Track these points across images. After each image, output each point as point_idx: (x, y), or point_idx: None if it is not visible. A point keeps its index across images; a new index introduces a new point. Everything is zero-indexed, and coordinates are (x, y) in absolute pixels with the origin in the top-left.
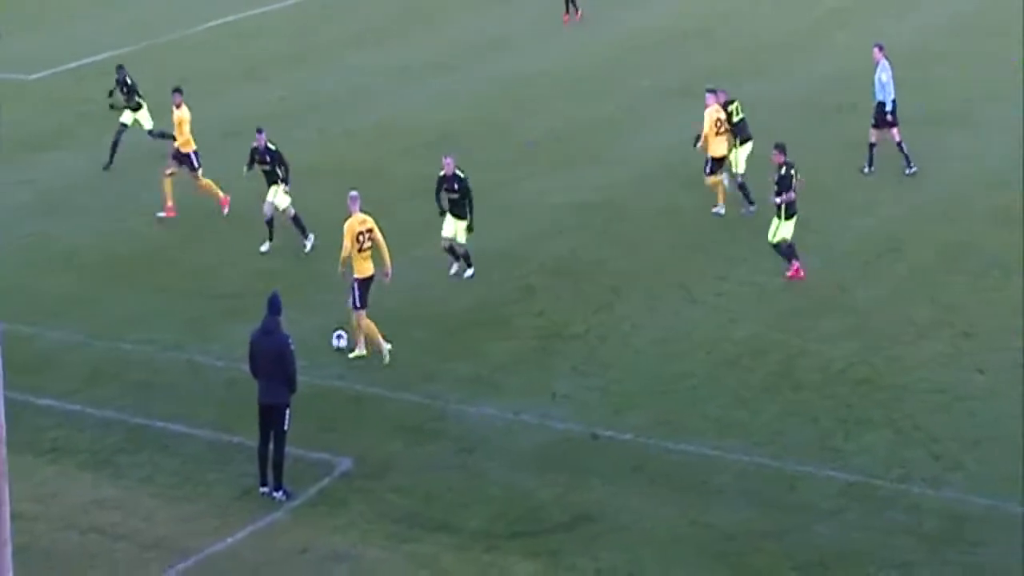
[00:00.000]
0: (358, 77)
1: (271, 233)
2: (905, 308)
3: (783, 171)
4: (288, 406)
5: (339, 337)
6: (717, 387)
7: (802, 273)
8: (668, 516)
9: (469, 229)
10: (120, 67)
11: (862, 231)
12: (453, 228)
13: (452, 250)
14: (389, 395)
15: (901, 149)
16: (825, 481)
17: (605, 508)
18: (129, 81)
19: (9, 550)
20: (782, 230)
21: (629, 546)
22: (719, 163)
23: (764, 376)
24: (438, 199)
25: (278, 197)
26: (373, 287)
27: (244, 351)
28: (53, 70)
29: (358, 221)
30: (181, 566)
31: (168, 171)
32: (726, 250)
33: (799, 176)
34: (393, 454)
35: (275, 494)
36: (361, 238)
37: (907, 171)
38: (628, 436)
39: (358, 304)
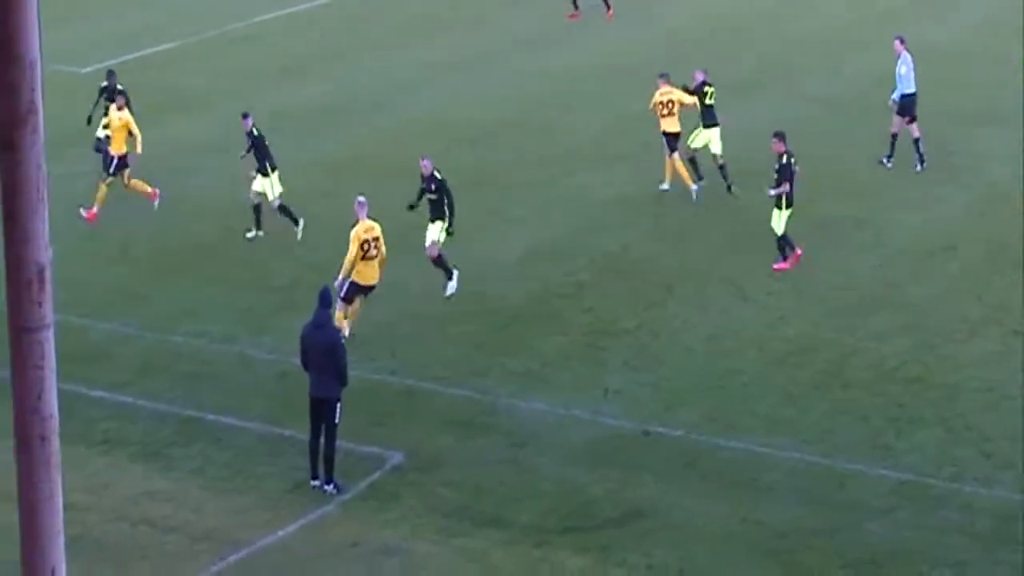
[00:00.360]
0: (402, 72)
1: (258, 221)
2: (957, 306)
3: (783, 160)
4: (339, 400)
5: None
6: (767, 384)
7: (788, 266)
8: (719, 513)
9: (448, 232)
10: (111, 73)
11: (914, 228)
12: (435, 234)
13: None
14: (440, 389)
15: (917, 147)
16: (876, 479)
17: (656, 504)
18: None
19: (62, 540)
20: (783, 220)
21: (680, 542)
22: (673, 138)
23: (814, 374)
24: (415, 203)
25: (258, 183)
26: (370, 295)
27: (296, 344)
28: (107, 63)
29: (364, 228)
30: (232, 558)
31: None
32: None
33: (797, 165)
34: (444, 448)
35: (326, 487)
36: (367, 245)
37: (917, 168)
38: (679, 432)
39: (343, 296)
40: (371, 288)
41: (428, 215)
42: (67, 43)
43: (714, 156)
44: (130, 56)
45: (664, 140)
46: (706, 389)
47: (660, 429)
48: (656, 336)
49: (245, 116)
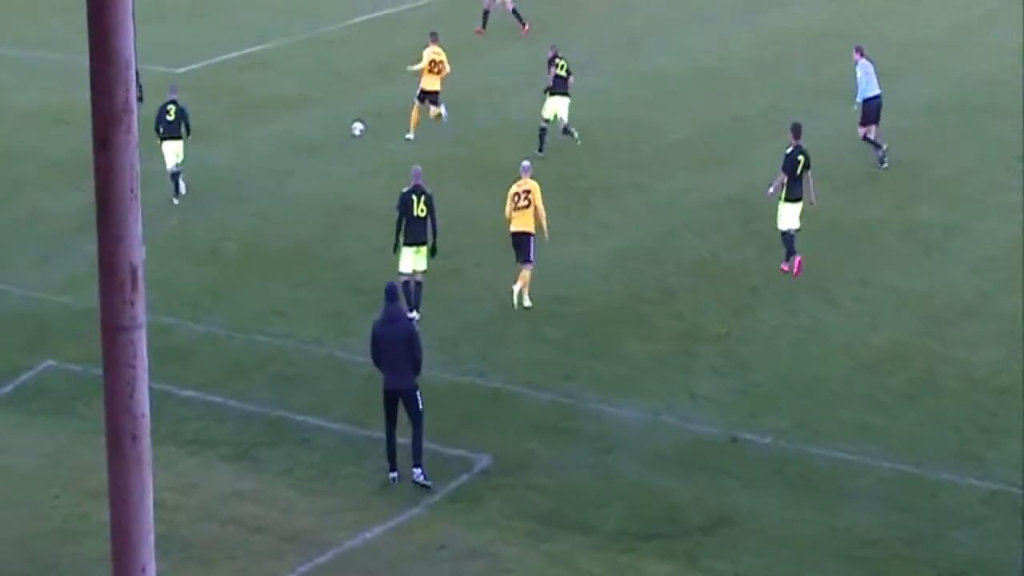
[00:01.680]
0: (492, 76)
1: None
2: None
3: (788, 151)
4: (417, 388)
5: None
6: (856, 391)
7: (796, 270)
8: (806, 520)
9: (431, 252)
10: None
11: (1007, 237)
12: (412, 260)
13: (407, 286)
14: (528, 393)
15: (870, 141)
16: (966, 489)
17: (743, 511)
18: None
19: (152, 538)
20: (784, 215)
21: (767, 550)
22: (427, 95)
23: (904, 381)
24: (400, 220)
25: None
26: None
27: None
28: (201, 63)
29: (517, 184)
30: (319, 559)
31: None
32: (867, 253)
33: (805, 164)
34: (531, 452)
35: (415, 471)
36: (517, 198)
37: (880, 165)
38: (767, 439)
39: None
40: (522, 234)
41: (405, 236)
42: (163, 44)
43: (560, 119)
44: (226, 57)
45: (419, 94)
46: (795, 396)
47: (748, 436)
48: (745, 342)
49: (172, 89)
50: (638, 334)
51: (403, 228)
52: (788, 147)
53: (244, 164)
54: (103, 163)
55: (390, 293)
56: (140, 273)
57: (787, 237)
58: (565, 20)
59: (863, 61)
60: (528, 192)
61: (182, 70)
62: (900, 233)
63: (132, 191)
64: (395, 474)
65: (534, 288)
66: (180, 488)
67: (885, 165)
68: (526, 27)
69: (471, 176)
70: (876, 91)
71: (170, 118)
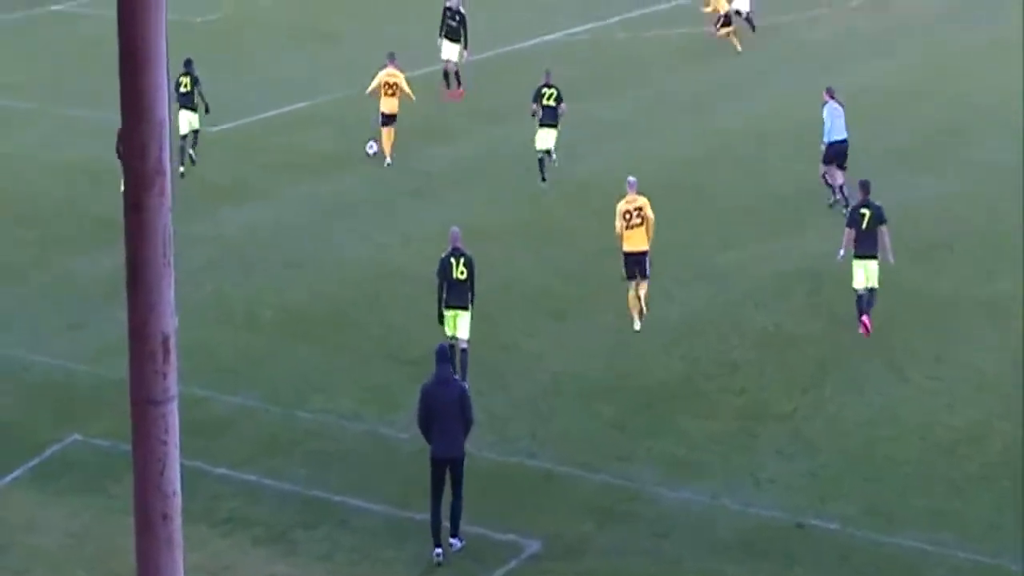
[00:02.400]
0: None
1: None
2: None
3: (853, 205)
4: (465, 456)
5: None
6: (931, 475)
7: (865, 331)
8: None
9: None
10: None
11: None
12: (453, 325)
13: (452, 351)
14: (580, 474)
15: (841, 192)
16: None
17: None
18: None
19: None
20: (855, 274)
21: None
22: (388, 119)
23: (982, 465)
24: (441, 285)
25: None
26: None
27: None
28: (240, 120)
29: (626, 199)
30: None
31: None
32: (943, 327)
33: (872, 218)
34: (584, 537)
35: (452, 540)
36: (628, 215)
37: (831, 203)
38: (834, 526)
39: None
40: (637, 254)
41: (446, 300)
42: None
43: (548, 151)
44: (266, 115)
45: (381, 119)
46: (864, 479)
47: (814, 521)
48: (811, 420)
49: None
50: (698, 411)
51: (445, 292)
52: (857, 204)
53: (284, 225)
54: (135, 227)
55: (441, 355)
56: (172, 343)
57: (858, 296)
58: (630, 78)
59: (832, 104)
60: (640, 209)
61: (218, 128)
62: (979, 307)
63: (165, 256)
64: (439, 551)
65: (586, 363)
66: (213, 571)
67: (837, 207)
68: (461, 91)
69: (518, 239)
70: (842, 135)
71: (184, 90)
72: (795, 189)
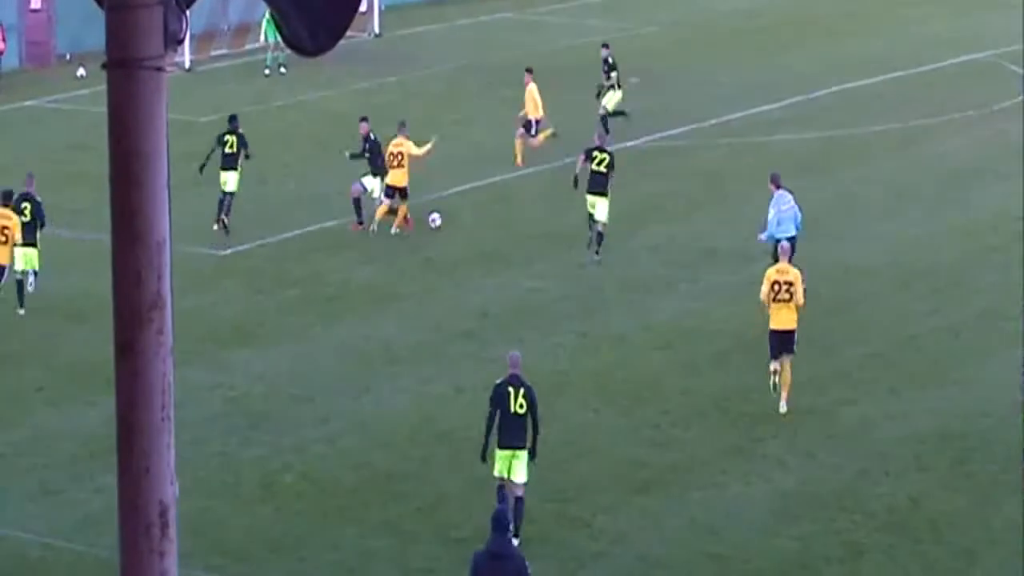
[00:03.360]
0: (628, 268)
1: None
2: None
3: None
4: None
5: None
6: None
7: None
8: None
9: (531, 456)
10: (233, 118)
11: None
12: (507, 467)
13: (502, 492)
14: None
15: None
16: None
17: None
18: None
19: None
20: None
21: None
22: (395, 191)
23: None
24: (492, 417)
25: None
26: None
27: None
28: (255, 243)
29: (776, 269)
30: None
31: None
32: None
33: None
34: None
35: None
36: (777, 287)
37: None
38: None
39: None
40: (783, 333)
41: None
42: (203, 217)
43: (596, 221)
44: (288, 235)
45: (386, 191)
46: None
47: None
48: None
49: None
50: None
51: (497, 427)
52: None
53: (309, 374)
54: (126, 373)
55: (499, 522)
56: (172, 515)
57: None
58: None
59: (779, 194)
60: (790, 284)
61: (228, 252)
62: None
63: (163, 409)
64: None
65: (680, 547)
66: None
67: None
68: (363, 226)
69: (600, 395)
70: (792, 232)
71: (229, 150)
72: (935, 331)
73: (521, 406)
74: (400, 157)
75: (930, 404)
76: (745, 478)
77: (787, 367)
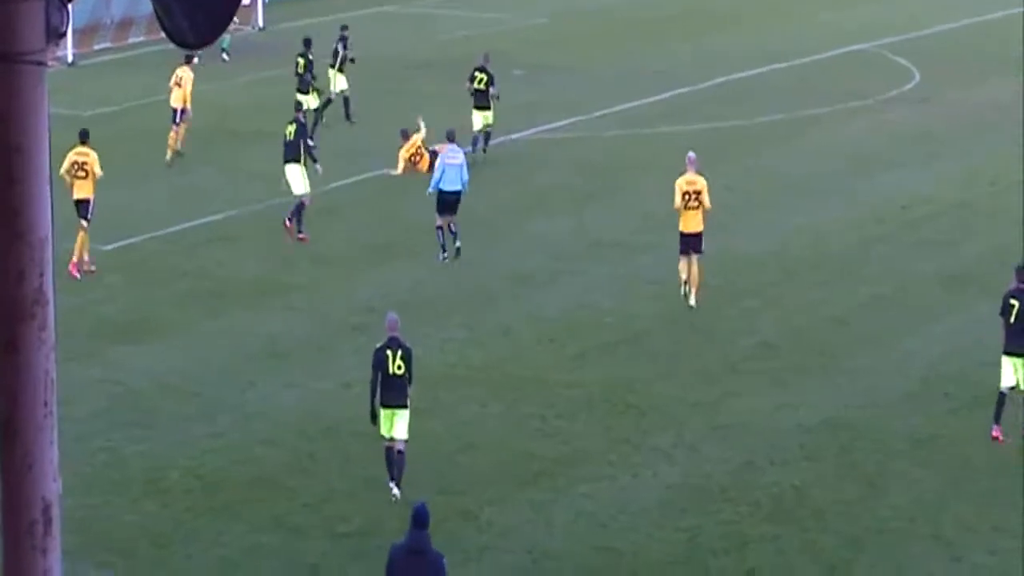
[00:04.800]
0: (517, 261)
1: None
2: None
3: (1005, 292)
4: None
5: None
6: None
7: (999, 437)
8: None
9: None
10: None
11: None
12: (390, 425)
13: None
14: None
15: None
16: None
17: None
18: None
19: None
20: (1004, 371)
21: None
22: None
23: None
24: (375, 380)
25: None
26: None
27: None
28: (142, 235)
29: (686, 180)
30: None
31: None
32: (1006, 494)
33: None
34: None
35: None
36: (687, 197)
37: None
38: None
39: None
40: (692, 236)
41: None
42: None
43: (485, 128)
44: (175, 228)
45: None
46: None
47: None
48: None
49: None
50: None
51: (379, 389)
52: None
53: (195, 369)
54: (9, 370)
55: (419, 518)
56: (55, 512)
57: (1001, 396)
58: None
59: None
60: (699, 193)
61: (111, 247)
62: None
63: (46, 405)
64: None
65: (568, 540)
66: None
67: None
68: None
69: (487, 388)
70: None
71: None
72: (828, 320)
73: (399, 367)
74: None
75: (817, 394)
76: (632, 470)
77: (695, 265)
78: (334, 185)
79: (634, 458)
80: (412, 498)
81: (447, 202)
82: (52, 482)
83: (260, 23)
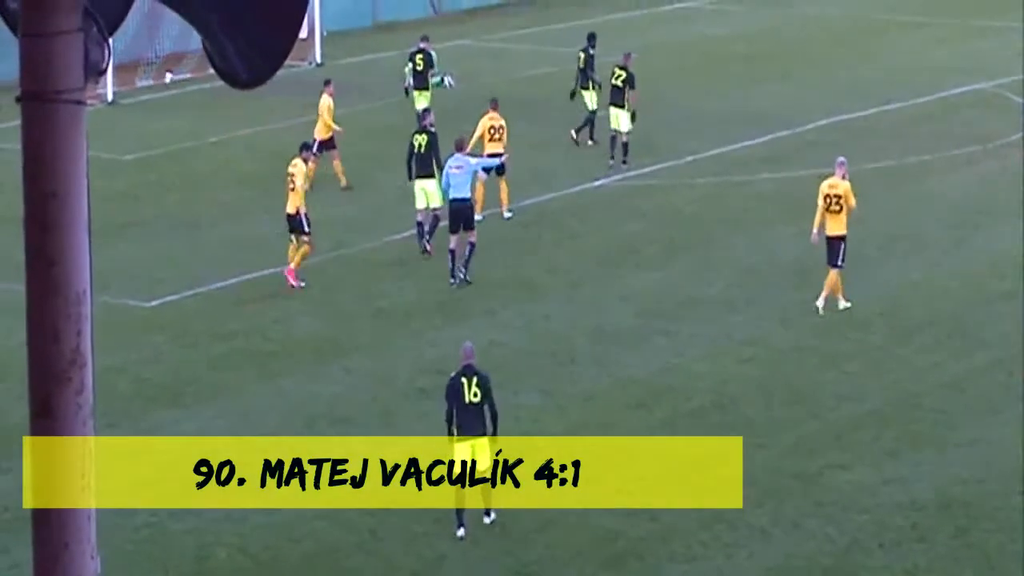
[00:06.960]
0: (596, 316)
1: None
2: None
3: None
4: None
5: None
6: None
7: None
8: None
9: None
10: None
11: None
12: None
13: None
14: None
15: None
16: None
17: None
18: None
19: None
20: None
21: None
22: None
23: None
24: (451, 411)
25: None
26: None
27: None
28: (184, 293)
29: (828, 184)
30: None
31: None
32: None
33: None
34: None
35: None
36: (828, 200)
37: None
38: None
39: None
40: (834, 239)
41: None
42: (133, 266)
43: (618, 132)
44: (223, 284)
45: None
46: None
47: None
48: None
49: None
50: None
51: (455, 421)
52: None
53: (240, 437)
54: (42, 437)
55: None
56: None
57: None
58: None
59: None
60: (839, 197)
61: (155, 303)
62: None
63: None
64: None
65: None
66: None
67: None
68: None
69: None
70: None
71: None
72: (938, 386)
73: (475, 395)
74: (502, 131)
75: (929, 468)
76: (726, 550)
77: (833, 273)
78: (404, 235)
79: (728, 537)
80: None
81: (457, 212)
82: (90, 560)
83: (318, 59)
